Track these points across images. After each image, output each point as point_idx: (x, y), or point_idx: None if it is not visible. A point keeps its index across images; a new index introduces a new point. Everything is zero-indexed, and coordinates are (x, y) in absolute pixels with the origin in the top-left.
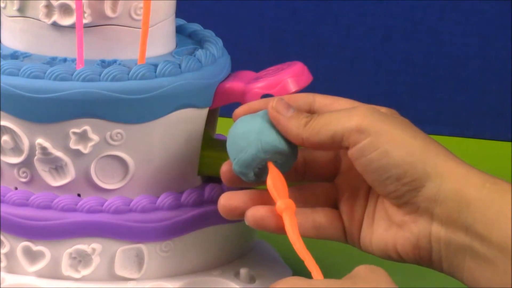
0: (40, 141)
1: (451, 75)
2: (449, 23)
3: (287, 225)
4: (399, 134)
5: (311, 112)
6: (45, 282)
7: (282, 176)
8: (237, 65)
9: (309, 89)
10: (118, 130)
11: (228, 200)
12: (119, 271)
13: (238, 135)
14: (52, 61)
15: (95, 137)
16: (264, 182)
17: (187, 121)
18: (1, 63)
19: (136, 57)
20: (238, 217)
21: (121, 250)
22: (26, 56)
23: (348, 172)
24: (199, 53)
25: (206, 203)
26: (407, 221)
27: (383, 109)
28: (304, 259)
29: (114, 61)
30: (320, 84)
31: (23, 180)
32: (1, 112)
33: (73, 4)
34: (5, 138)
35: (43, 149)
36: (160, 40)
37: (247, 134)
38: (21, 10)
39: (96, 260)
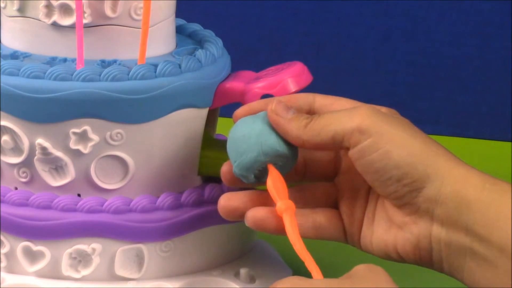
0: (40, 141)
1: (451, 75)
2: (449, 23)
3: (287, 226)
4: (400, 135)
5: (312, 112)
6: (45, 282)
7: (282, 177)
8: (237, 65)
9: (309, 89)
10: (118, 130)
11: (228, 201)
12: (119, 271)
13: (238, 138)
14: (52, 61)
15: (95, 137)
16: (264, 183)
17: (187, 121)
18: (1, 63)
19: (136, 57)
20: (238, 218)
21: (121, 250)
22: (26, 56)
23: (349, 172)
24: (199, 53)
25: (206, 203)
26: (407, 221)
27: (384, 109)
28: (304, 260)
29: (114, 61)
30: (320, 84)
31: (23, 180)
32: (1, 112)
33: (73, 4)
34: (5, 138)
35: (43, 149)
36: (160, 40)
37: (248, 137)
38: (21, 10)
39: (96, 260)
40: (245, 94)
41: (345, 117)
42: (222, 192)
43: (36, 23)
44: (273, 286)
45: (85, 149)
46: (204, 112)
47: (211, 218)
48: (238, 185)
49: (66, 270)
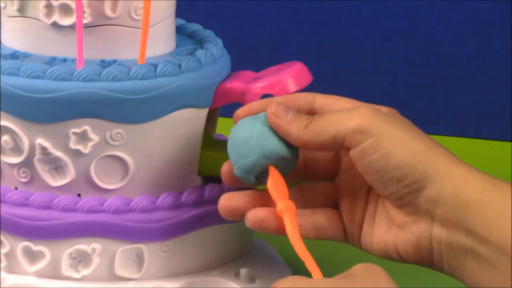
0: (40, 141)
1: (451, 75)
2: (449, 23)
3: (287, 226)
4: (401, 135)
5: (312, 111)
6: (45, 282)
7: (282, 178)
8: (237, 65)
9: (309, 89)
10: (118, 130)
11: (228, 201)
12: (119, 271)
13: (239, 140)
14: (52, 61)
15: (95, 137)
16: (264, 183)
17: (187, 121)
18: (1, 63)
19: (136, 57)
20: (238, 218)
21: (121, 250)
22: (26, 56)
23: (349, 172)
24: (199, 53)
25: (206, 203)
26: (408, 222)
27: (384, 109)
28: (304, 260)
29: (114, 61)
30: (320, 84)
31: (23, 180)
32: (1, 112)
33: (73, 4)
34: (5, 138)
35: (43, 149)
36: (160, 40)
37: (248, 139)
38: (21, 10)
39: (96, 260)
40: (245, 94)
41: (346, 117)
42: (222, 192)
43: (36, 23)
44: (273, 286)
45: (85, 149)
46: (204, 112)
47: (211, 218)
48: (238, 185)
49: (66, 270)
